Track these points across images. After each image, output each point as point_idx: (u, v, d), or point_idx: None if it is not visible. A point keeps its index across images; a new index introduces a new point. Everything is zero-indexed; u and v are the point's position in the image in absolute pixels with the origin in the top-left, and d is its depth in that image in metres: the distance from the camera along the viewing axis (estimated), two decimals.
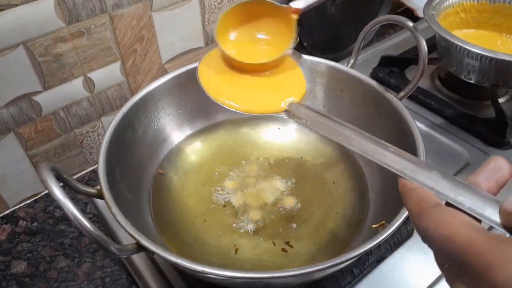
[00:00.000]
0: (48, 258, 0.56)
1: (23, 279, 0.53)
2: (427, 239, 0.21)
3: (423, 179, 0.25)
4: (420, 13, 0.91)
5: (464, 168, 0.56)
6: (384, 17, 0.47)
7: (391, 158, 0.28)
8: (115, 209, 0.34)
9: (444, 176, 0.24)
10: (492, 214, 0.21)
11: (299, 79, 0.44)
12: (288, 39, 0.42)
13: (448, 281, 0.21)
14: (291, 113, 0.39)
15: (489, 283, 0.17)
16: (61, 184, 0.31)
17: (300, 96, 0.41)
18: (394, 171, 0.27)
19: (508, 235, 0.20)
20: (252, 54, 0.42)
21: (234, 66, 0.43)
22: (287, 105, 0.40)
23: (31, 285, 0.53)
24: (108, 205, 0.34)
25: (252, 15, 0.43)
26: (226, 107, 0.41)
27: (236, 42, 0.43)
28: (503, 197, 0.21)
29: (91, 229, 0.28)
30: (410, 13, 0.95)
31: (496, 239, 0.18)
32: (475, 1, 0.69)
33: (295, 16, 0.41)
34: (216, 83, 0.42)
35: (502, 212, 0.20)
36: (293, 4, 0.41)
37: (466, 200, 0.22)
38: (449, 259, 0.20)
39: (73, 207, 0.27)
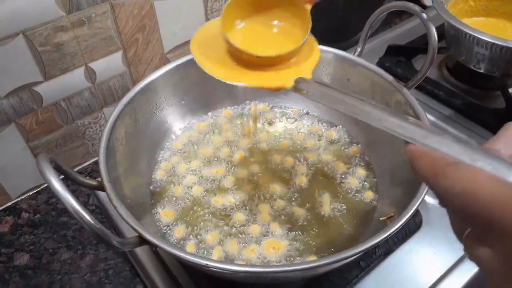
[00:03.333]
0: (51, 250, 0.55)
1: (26, 271, 0.53)
2: (448, 198, 0.19)
3: (435, 145, 0.22)
4: (426, 1, 0.89)
5: None
6: (393, 4, 0.46)
7: (399, 124, 0.26)
8: (116, 201, 0.33)
9: (458, 140, 0.22)
10: None
11: (310, 48, 0.40)
12: (303, 31, 0.37)
13: (468, 248, 0.20)
14: (297, 87, 0.36)
15: None
16: (61, 176, 0.30)
17: (310, 70, 0.38)
18: (403, 137, 0.25)
19: None
20: (262, 47, 0.37)
21: (240, 57, 0.38)
22: (294, 82, 0.36)
23: (34, 277, 0.52)
24: (109, 197, 0.33)
25: (261, 6, 0.39)
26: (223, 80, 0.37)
27: (244, 33, 0.38)
28: None
29: (91, 221, 0.27)
30: (416, 2, 0.93)
31: None
32: None
33: (308, 6, 0.37)
34: (215, 58, 0.38)
35: None
36: None
37: (485, 165, 0.19)
38: (473, 218, 0.18)
39: (73, 199, 0.26)
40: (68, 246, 0.56)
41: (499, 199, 0.17)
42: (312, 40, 0.41)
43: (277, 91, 0.36)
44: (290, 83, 0.36)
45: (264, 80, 0.36)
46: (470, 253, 0.20)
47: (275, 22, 0.39)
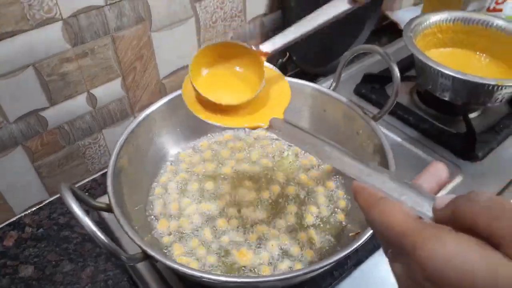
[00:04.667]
0: (53, 263, 0.59)
1: (31, 282, 0.57)
2: (374, 228, 0.25)
3: (373, 181, 0.28)
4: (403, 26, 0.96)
5: None
6: (360, 47, 0.52)
7: (351, 164, 0.31)
8: (123, 222, 0.38)
9: (392, 178, 0.28)
10: (428, 210, 0.24)
11: (283, 90, 0.45)
12: (258, 80, 0.43)
13: (389, 263, 0.25)
14: (271, 126, 0.41)
15: (416, 259, 0.21)
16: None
17: (282, 111, 0.42)
18: (351, 175, 0.30)
19: None
20: (224, 94, 0.42)
21: (207, 103, 0.42)
22: (269, 122, 0.41)
23: None
24: (117, 219, 0.39)
25: (223, 56, 0.44)
26: (208, 122, 0.42)
27: (208, 82, 0.43)
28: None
29: (106, 241, 0.32)
30: (394, 26, 1.00)
31: (423, 224, 0.22)
32: (451, 22, 0.75)
33: (263, 59, 0.42)
34: (200, 101, 0.43)
35: (434, 209, 0.24)
36: (262, 47, 0.42)
37: (408, 199, 0.25)
38: (390, 243, 0.24)
39: (92, 224, 0.32)
40: (70, 258, 0.59)
41: (404, 230, 0.22)
42: (284, 82, 0.46)
43: (254, 129, 0.42)
44: (266, 123, 0.41)
45: (244, 121, 0.42)
46: (390, 266, 0.25)
47: (237, 70, 0.44)
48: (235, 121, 0.42)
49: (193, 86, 0.41)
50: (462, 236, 0.21)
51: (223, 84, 0.44)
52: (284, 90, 0.45)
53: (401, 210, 0.24)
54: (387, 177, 0.28)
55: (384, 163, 0.46)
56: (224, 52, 0.43)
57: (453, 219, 0.22)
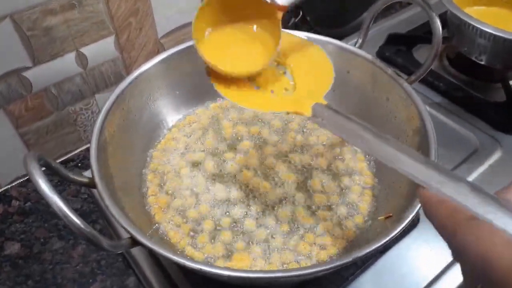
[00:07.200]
0: (42, 240, 0.55)
1: (17, 261, 0.52)
2: (463, 256, 0.19)
3: (451, 193, 0.22)
4: None
5: (472, 154, 0.54)
6: None
7: (415, 167, 0.25)
8: (108, 201, 0.32)
9: (473, 189, 0.21)
10: None
11: (324, 68, 0.39)
12: (275, 40, 0.37)
13: None
14: (313, 115, 0.35)
15: None
16: (50, 173, 0.29)
17: (323, 94, 0.36)
18: (418, 182, 0.24)
19: None
20: (235, 60, 0.37)
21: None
22: (312, 108, 0.34)
23: (25, 267, 0.52)
24: (101, 196, 0.32)
25: (233, 10, 0.37)
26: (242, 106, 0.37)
27: (214, 44, 0.37)
28: None
29: (81, 225, 0.26)
30: None
31: None
32: None
33: (280, 14, 0.36)
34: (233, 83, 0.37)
35: None
36: (278, 0, 0.35)
37: (497, 218, 0.19)
38: (488, 282, 0.18)
39: (61, 202, 0.25)
40: (60, 235, 0.55)
41: None
42: (325, 59, 0.39)
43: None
44: (308, 112, 0.34)
45: (282, 107, 0.36)
46: None
47: (250, 29, 0.38)
48: (274, 106, 0.36)
49: (198, 50, 0.35)
50: None
51: (233, 47, 0.37)
52: (325, 68, 0.38)
53: (507, 240, 0.18)
54: (466, 188, 0.21)
55: (421, 140, 0.39)
56: (233, 6, 0.36)
57: None
